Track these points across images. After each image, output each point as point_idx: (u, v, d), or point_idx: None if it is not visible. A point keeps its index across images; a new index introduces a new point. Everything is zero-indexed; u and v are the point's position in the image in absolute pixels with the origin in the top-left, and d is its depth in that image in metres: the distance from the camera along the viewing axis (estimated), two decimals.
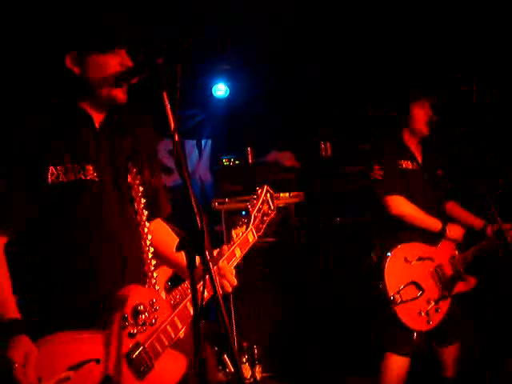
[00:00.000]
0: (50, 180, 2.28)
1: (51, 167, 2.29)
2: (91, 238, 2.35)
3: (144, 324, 2.30)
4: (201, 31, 5.26)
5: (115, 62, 2.34)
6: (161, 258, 2.64)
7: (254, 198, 2.86)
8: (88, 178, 2.35)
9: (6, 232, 2.27)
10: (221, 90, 6.54)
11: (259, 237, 2.83)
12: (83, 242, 2.34)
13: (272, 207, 2.89)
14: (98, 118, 2.45)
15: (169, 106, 2.02)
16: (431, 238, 4.12)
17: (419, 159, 4.30)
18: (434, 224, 4.11)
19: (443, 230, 4.11)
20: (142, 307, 2.30)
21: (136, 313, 2.29)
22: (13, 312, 2.17)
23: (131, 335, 2.27)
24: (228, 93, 6.56)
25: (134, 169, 2.51)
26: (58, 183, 2.29)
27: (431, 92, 4.33)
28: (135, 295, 2.31)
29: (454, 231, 4.15)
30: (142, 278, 2.47)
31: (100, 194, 2.38)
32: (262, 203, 2.85)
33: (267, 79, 6.37)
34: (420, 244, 4.08)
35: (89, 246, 2.34)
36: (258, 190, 2.89)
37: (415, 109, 4.24)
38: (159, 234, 2.65)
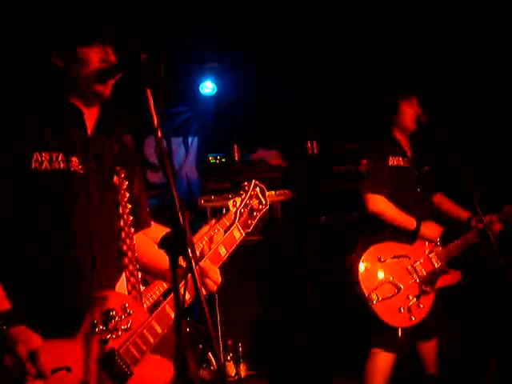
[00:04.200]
0: (33, 166, 2.26)
1: (36, 153, 2.27)
2: (63, 232, 2.30)
3: (116, 329, 2.23)
4: (187, 30, 5.27)
5: (97, 58, 2.32)
6: (143, 267, 2.59)
7: (241, 194, 2.81)
8: (72, 169, 2.33)
9: None
10: (208, 87, 6.53)
11: (248, 233, 2.77)
12: (54, 236, 2.29)
13: (263, 201, 2.84)
14: (88, 112, 2.42)
15: (152, 103, 2.01)
16: (408, 236, 4.15)
17: (409, 155, 4.32)
18: (408, 223, 4.13)
19: (417, 230, 4.13)
20: (113, 312, 2.23)
21: (107, 318, 2.22)
22: (6, 303, 2.14)
23: (103, 341, 2.21)
24: (215, 91, 6.55)
25: (122, 173, 2.48)
26: (42, 171, 2.27)
27: (418, 89, 4.36)
28: (105, 300, 2.24)
29: (429, 230, 4.16)
30: (115, 282, 2.41)
31: (82, 188, 2.35)
32: (250, 198, 2.79)
33: (254, 78, 6.37)
34: (394, 243, 4.11)
35: (59, 242, 2.29)
36: (245, 186, 2.84)
37: (403, 106, 4.27)
38: (141, 244, 2.60)
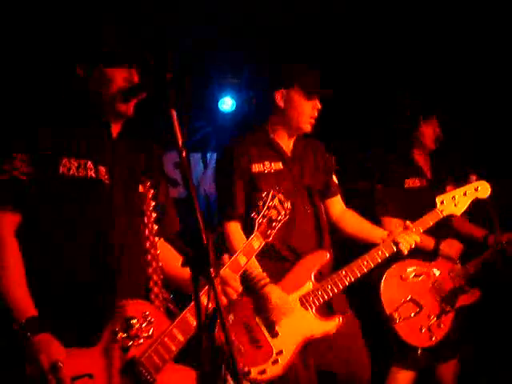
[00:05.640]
0: (60, 171, 2.30)
1: (64, 158, 2.31)
2: (88, 240, 2.33)
3: (138, 337, 2.26)
4: (211, 48, 5.32)
5: (121, 78, 2.36)
6: (166, 277, 2.61)
7: (260, 204, 2.84)
8: (99, 178, 2.36)
9: (16, 210, 2.27)
10: (227, 103, 6.56)
11: (267, 243, 2.84)
12: (78, 243, 2.32)
13: (282, 212, 2.87)
14: (114, 126, 2.47)
15: (177, 124, 2.04)
16: (430, 254, 4.14)
17: (428, 174, 4.31)
18: (426, 243, 4.10)
19: (436, 248, 4.11)
20: (134, 320, 2.26)
21: (128, 326, 2.25)
22: (32, 309, 2.17)
23: (125, 349, 2.24)
24: (234, 107, 6.57)
25: (148, 182, 2.52)
26: (69, 176, 2.31)
27: (439, 108, 4.37)
28: (126, 308, 2.27)
29: (449, 248, 4.15)
30: (140, 291, 2.45)
31: (108, 197, 2.39)
32: (268, 209, 2.83)
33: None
34: (415, 260, 4.09)
35: (83, 250, 2.32)
36: (263, 196, 2.87)
37: (424, 127, 4.27)
38: (165, 254, 2.64)
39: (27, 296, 2.20)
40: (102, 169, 2.38)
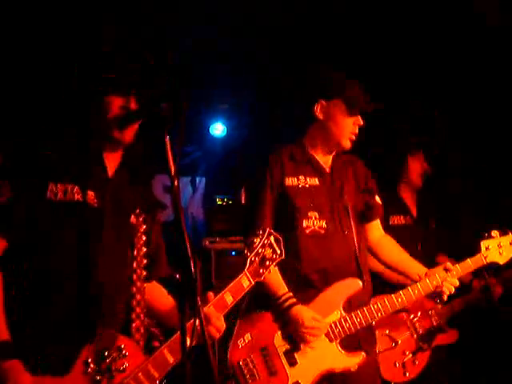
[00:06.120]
0: (48, 196, 2.30)
1: (51, 183, 2.31)
2: (71, 265, 2.31)
3: (109, 370, 2.21)
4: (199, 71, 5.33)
5: (117, 105, 2.35)
6: (150, 310, 2.58)
7: (255, 242, 2.72)
8: (87, 201, 2.35)
9: (1, 236, 2.26)
10: (218, 129, 6.60)
11: (257, 282, 2.67)
12: (61, 268, 2.29)
13: (278, 251, 2.75)
14: (111, 155, 2.46)
15: (170, 152, 2.05)
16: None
17: (413, 212, 4.33)
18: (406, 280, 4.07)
19: None
20: (107, 352, 2.22)
21: (101, 358, 2.20)
22: (5, 334, 2.15)
23: (96, 382, 2.18)
24: (225, 132, 6.62)
25: (142, 216, 2.50)
26: (56, 201, 2.30)
27: (427, 144, 4.40)
28: (101, 339, 2.23)
29: None
30: (121, 322, 2.41)
31: (96, 221, 2.37)
32: (263, 246, 2.71)
33: (265, 120, 6.42)
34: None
35: (66, 274, 2.30)
36: (259, 234, 2.75)
37: (411, 162, 4.30)
38: (150, 287, 2.61)
39: (1, 320, 2.18)
40: (91, 193, 2.37)
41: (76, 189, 2.34)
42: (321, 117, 3.32)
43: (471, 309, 4.28)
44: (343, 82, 3.34)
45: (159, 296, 2.64)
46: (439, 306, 4.15)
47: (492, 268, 3.87)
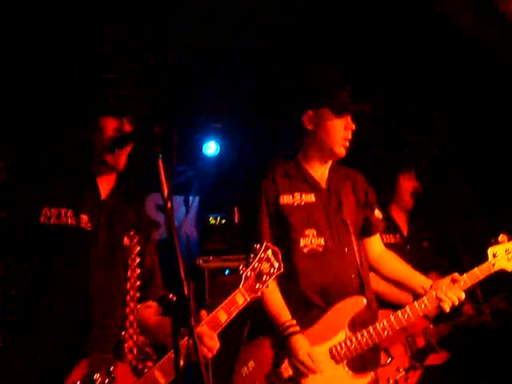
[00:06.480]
0: (42, 220, 2.31)
1: (45, 208, 2.32)
2: (65, 288, 2.32)
3: None
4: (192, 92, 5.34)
5: (111, 127, 2.37)
6: (143, 330, 2.58)
7: (249, 256, 2.65)
8: (80, 225, 2.37)
9: None
10: (211, 148, 6.61)
11: (254, 298, 2.59)
12: (54, 291, 2.31)
13: (276, 265, 2.66)
14: (104, 178, 2.47)
15: (163, 173, 2.07)
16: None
17: (404, 231, 4.33)
18: (404, 300, 3.96)
19: None
20: (96, 375, 2.21)
21: (89, 380, 2.20)
22: None
23: None
24: (218, 151, 6.63)
25: (136, 238, 2.50)
26: (50, 225, 2.32)
27: (418, 163, 4.42)
28: (90, 361, 2.22)
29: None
30: (114, 343, 2.41)
31: (89, 244, 2.39)
32: (260, 261, 2.62)
33: (259, 139, 6.44)
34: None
35: (58, 298, 2.31)
36: (256, 248, 2.67)
37: (402, 181, 4.31)
38: (146, 310, 2.61)
39: None
40: (84, 217, 2.39)
41: (69, 212, 2.36)
42: (310, 127, 3.28)
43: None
44: (327, 88, 3.29)
45: (151, 314, 2.63)
46: (431, 327, 4.15)
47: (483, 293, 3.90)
